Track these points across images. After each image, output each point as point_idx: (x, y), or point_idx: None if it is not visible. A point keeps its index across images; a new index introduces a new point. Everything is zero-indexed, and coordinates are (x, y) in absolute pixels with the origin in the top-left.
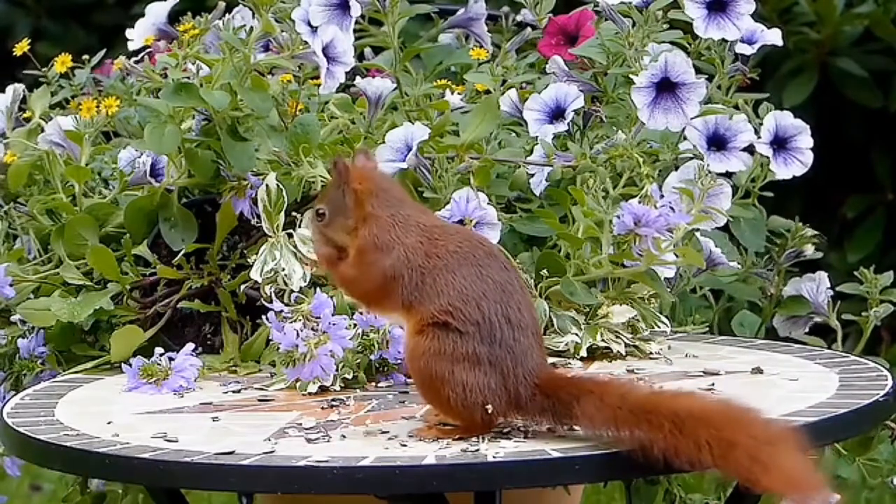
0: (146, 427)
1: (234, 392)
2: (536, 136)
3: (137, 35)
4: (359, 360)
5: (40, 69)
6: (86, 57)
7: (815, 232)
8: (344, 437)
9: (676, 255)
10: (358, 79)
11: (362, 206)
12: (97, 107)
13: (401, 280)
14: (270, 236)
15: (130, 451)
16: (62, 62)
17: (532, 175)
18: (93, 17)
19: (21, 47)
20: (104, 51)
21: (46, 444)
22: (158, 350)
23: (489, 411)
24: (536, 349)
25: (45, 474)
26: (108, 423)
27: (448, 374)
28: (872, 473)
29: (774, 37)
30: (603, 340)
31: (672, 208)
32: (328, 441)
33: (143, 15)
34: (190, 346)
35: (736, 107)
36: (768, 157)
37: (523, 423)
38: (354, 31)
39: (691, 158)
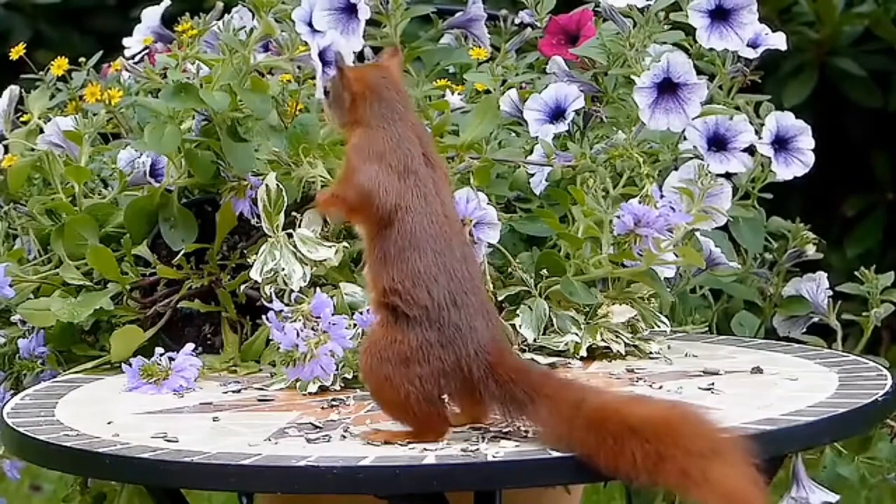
0: (146, 427)
1: (234, 392)
2: (536, 136)
3: (135, 41)
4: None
5: (37, 73)
6: (82, 60)
7: (815, 236)
8: (344, 437)
9: (676, 255)
10: None
11: (355, 109)
12: (101, 94)
13: (375, 201)
14: (270, 236)
15: (130, 451)
16: (59, 66)
17: (532, 175)
18: (91, 21)
19: (17, 51)
20: (100, 53)
21: (46, 444)
22: (158, 350)
23: (445, 401)
24: (487, 328)
25: (45, 474)
26: (108, 423)
27: (403, 368)
28: (872, 472)
29: (779, 40)
30: (603, 340)
31: (672, 208)
32: (328, 441)
33: (140, 19)
34: (190, 346)
35: (737, 107)
36: (769, 158)
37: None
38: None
39: (691, 158)
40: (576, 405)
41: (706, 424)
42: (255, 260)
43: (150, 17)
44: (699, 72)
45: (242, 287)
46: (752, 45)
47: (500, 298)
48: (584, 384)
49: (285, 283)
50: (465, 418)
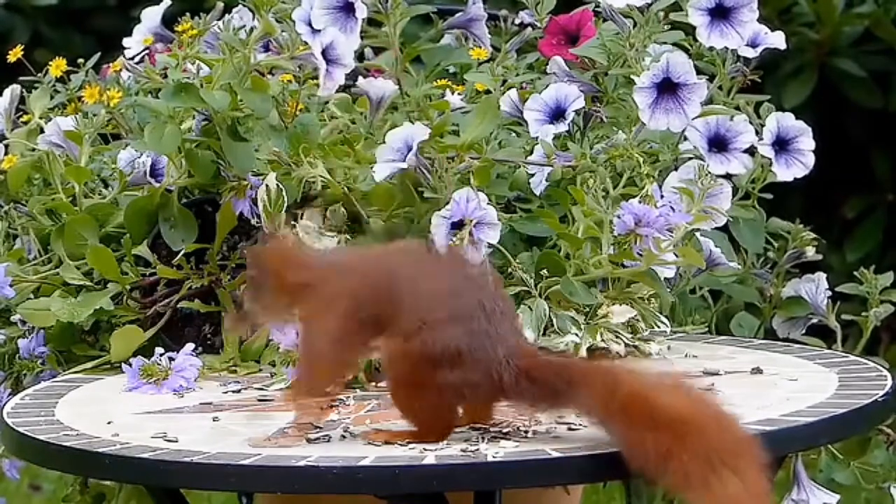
0: (146, 427)
1: (234, 392)
2: (536, 136)
3: (135, 42)
4: None
5: (36, 75)
6: (81, 60)
7: (814, 235)
8: (344, 437)
9: (676, 256)
10: (360, 79)
11: (284, 282)
12: (100, 95)
13: (357, 311)
14: None
15: (130, 451)
16: (57, 66)
17: (532, 175)
18: (91, 22)
19: (15, 53)
20: (98, 54)
21: (46, 444)
22: (158, 350)
23: (456, 415)
24: (513, 332)
25: (44, 474)
26: (108, 423)
27: (429, 375)
28: (867, 478)
29: (778, 40)
30: (603, 340)
31: (672, 208)
32: (328, 441)
33: (140, 19)
34: (190, 346)
35: (737, 108)
36: (770, 159)
37: (511, 406)
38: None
39: (691, 158)
40: (611, 391)
41: (724, 427)
42: None
43: (153, 17)
44: (699, 72)
45: (242, 287)
46: (752, 44)
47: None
48: (617, 366)
49: None
50: (466, 419)
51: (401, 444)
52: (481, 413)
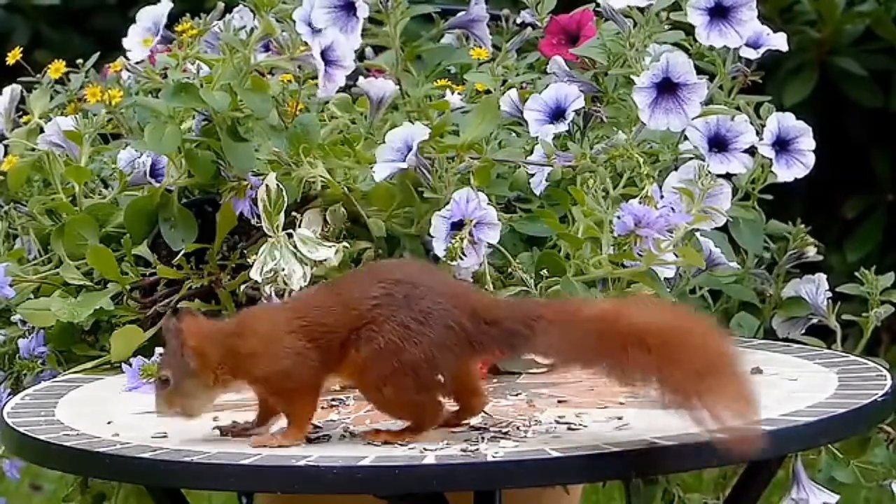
0: (146, 427)
1: (234, 392)
2: (536, 136)
3: (134, 42)
4: None
5: (34, 76)
6: (80, 61)
7: (813, 240)
8: (344, 437)
9: (676, 256)
10: (360, 79)
11: (208, 360)
12: (101, 95)
13: (306, 363)
14: (270, 236)
15: (130, 451)
16: (56, 69)
17: (532, 175)
18: (91, 22)
19: (14, 55)
20: (97, 54)
21: (46, 444)
22: (158, 350)
23: (442, 380)
24: (454, 285)
25: (45, 474)
26: (108, 423)
27: (396, 363)
28: (868, 476)
29: (779, 41)
30: None
31: (672, 209)
32: (328, 441)
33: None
34: None
35: (737, 108)
36: (770, 159)
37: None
38: None
39: (691, 159)
40: (575, 317)
41: (708, 339)
42: (255, 260)
43: (151, 16)
44: (699, 72)
45: (242, 287)
46: (753, 45)
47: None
48: (576, 299)
49: (285, 283)
50: (462, 415)
51: (401, 444)
52: (475, 403)
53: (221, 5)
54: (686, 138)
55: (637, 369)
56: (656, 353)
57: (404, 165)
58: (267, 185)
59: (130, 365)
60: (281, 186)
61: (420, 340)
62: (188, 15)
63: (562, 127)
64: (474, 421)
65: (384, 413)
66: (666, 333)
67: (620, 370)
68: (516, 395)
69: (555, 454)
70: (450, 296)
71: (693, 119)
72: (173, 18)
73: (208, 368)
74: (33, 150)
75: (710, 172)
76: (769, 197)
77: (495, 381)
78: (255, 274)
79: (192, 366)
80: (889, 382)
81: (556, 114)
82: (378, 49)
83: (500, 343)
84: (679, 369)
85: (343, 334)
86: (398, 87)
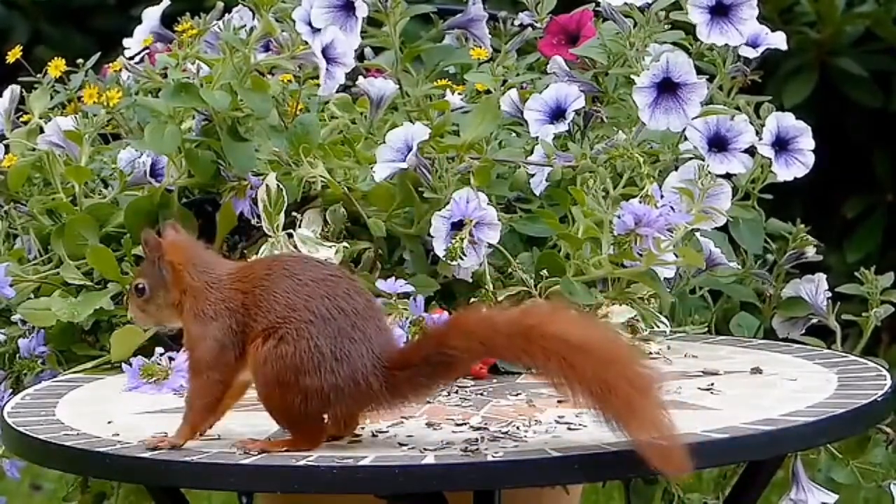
0: (146, 427)
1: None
2: (537, 136)
3: (135, 42)
4: None
5: (34, 75)
6: (80, 60)
7: (813, 240)
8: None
9: (676, 256)
10: (360, 79)
11: (181, 278)
12: (99, 96)
13: (231, 339)
14: (270, 236)
15: (130, 451)
16: (56, 67)
17: (532, 175)
18: (92, 20)
19: (14, 54)
20: (98, 54)
21: (46, 444)
22: (158, 350)
23: (325, 421)
24: (379, 333)
25: (45, 474)
26: (108, 422)
27: (293, 379)
28: (867, 477)
29: (779, 40)
30: None
31: (672, 208)
32: (328, 441)
33: (140, 19)
34: None
35: (737, 108)
36: (769, 159)
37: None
38: None
39: (691, 158)
40: (490, 335)
41: (637, 356)
42: None
43: (153, 16)
44: (699, 71)
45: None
46: (753, 44)
47: (499, 299)
48: (483, 314)
49: None
50: (332, 428)
51: (277, 452)
52: (347, 422)
53: (221, 5)
54: (686, 138)
55: (580, 378)
56: (602, 370)
57: (404, 165)
58: (267, 185)
59: (130, 365)
60: (281, 186)
61: (322, 374)
62: (188, 14)
63: (562, 127)
64: (474, 421)
65: (267, 412)
66: (599, 350)
67: (564, 375)
68: (516, 395)
69: (555, 454)
70: (371, 344)
71: (693, 119)
72: (173, 18)
73: (178, 287)
74: (33, 149)
75: (710, 172)
76: (769, 197)
77: (495, 381)
78: None
79: (167, 278)
80: (889, 383)
81: (557, 114)
82: (377, 49)
83: (426, 381)
84: (628, 385)
85: (265, 325)
86: (398, 87)
